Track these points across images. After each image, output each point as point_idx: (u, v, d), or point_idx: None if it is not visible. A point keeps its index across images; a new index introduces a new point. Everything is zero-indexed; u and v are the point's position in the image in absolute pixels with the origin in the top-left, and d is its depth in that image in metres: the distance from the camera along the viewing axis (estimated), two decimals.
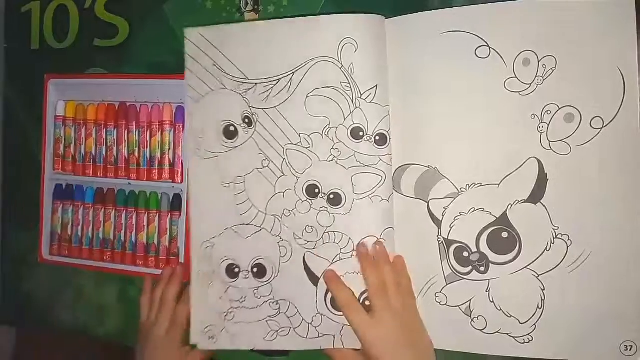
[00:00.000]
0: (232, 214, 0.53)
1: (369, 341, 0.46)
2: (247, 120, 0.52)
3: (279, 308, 0.52)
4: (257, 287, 0.53)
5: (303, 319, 0.51)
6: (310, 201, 0.51)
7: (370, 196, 0.50)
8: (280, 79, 0.51)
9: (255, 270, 0.53)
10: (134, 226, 0.61)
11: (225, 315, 0.53)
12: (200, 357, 0.55)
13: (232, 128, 0.53)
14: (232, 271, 0.53)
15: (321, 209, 0.51)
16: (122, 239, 0.61)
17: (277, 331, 0.52)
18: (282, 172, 0.52)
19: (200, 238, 0.54)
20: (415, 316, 0.49)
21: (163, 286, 0.56)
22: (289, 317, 0.52)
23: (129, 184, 0.61)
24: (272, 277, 0.52)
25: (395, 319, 0.47)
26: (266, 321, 0.52)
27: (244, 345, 0.53)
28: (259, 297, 0.52)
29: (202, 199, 0.54)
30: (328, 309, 0.51)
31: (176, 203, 0.59)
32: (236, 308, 0.53)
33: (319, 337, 0.51)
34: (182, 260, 0.58)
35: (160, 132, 0.59)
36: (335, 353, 0.51)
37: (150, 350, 0.54)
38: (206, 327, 0.53)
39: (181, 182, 0.58)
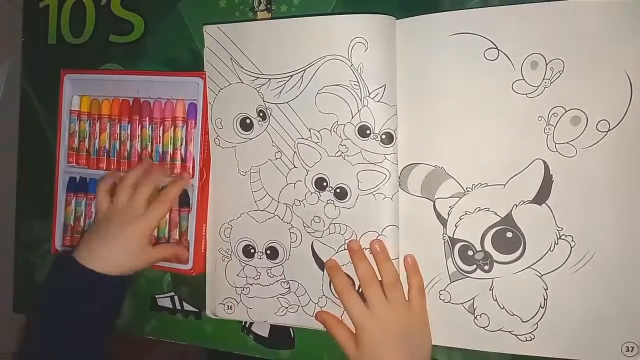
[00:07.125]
0: (249, 200, 0.56)
1: (360, 325, 0.49)
2: (261, 114, 0.54)
3: (289, 287, 0.55)
4: (270, 267, 0.56)
5: (310, 299, 0.55)
6: (318, 193, 0.53)
7: (373, 193, 0.51)
8: (292, 75, 0.53)
9: (268, 252, 0.56)
10: None
11: (242, 290, 0.57)
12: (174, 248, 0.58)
13: (247, 120, 0.55)
14: (248, 251, 0.57)
15: (328, 202, 0.53)
16: None
17: (287, 308, 0.56)
18: (293, 164, 0.54)
19: (220, 220, 0.58)
20: (418, 315, 0.50)
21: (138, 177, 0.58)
22: (298, 296, 0.55)
23: None
24: (284, 260, 0.56)
25: (389, 312, 0.49)
26: (277, 298, 0.56)
27: (257, 317, 0.57)
28: (271, 276, 0.56)
29: (221, 185, 0.58)
30: (332, 292, 0.53)
31: (185, 199, 0.60)
32: (251, 284, 0.57)
33: None
34: (192, 252, 0.58)
35: (172, 128, 0.60)
36: (332, 323, 0.52)
37: (116, 225, 0.54)
38: (225, 299, 0.58)
39: (192, 177, 0.59)
